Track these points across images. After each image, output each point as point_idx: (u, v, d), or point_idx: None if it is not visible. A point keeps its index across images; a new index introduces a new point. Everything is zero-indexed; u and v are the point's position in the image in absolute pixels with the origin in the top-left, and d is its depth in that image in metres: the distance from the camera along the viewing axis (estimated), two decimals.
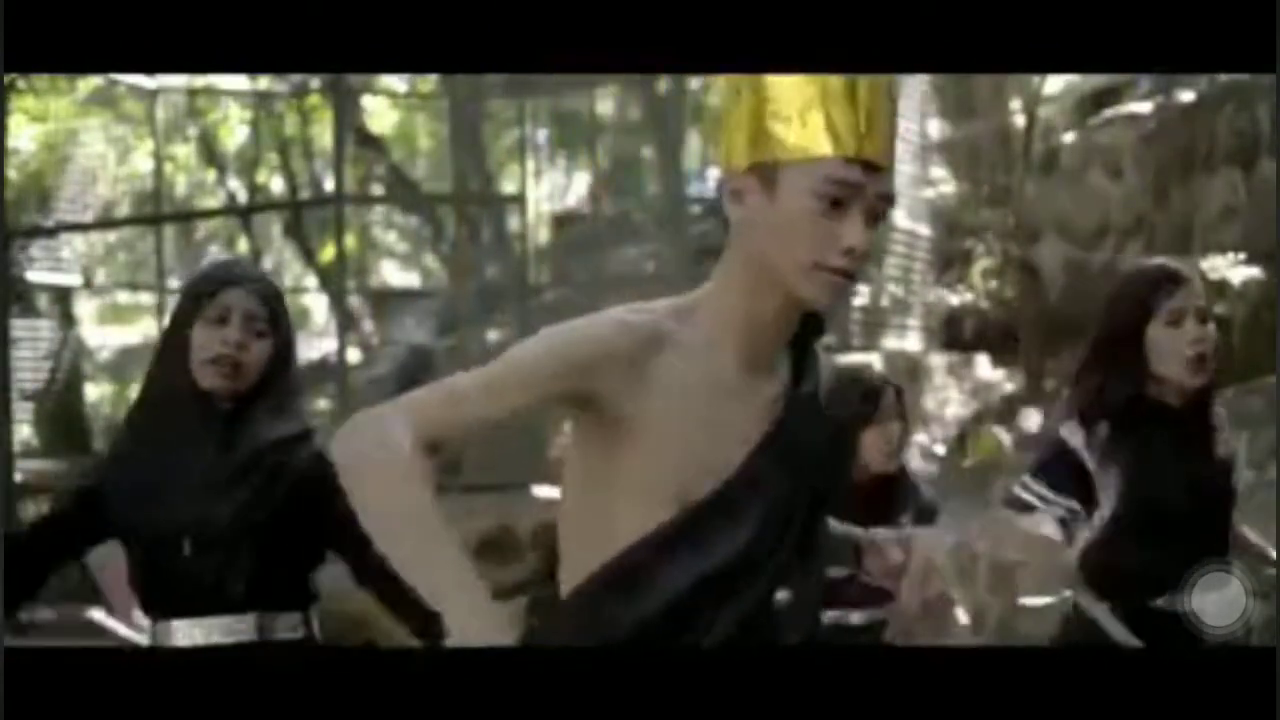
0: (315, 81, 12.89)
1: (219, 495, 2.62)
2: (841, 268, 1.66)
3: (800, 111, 1.65)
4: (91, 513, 2.68)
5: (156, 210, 12.48)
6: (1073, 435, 2.90)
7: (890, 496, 3.86)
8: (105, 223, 12.53)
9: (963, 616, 4.01)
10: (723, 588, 1.71)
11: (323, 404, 11.15)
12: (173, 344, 2.69)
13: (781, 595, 1.77)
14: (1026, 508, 2.88)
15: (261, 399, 2.68)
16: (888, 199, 1.69)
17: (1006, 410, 9.41)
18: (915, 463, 4.18)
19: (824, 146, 1.65)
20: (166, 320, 2.80)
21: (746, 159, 1.69)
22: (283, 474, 2.67)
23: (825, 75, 1.66)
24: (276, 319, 2.69)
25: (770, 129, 1.66)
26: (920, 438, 9.44)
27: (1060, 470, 2.88)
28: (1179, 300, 2.89)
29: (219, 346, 2.62)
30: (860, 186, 1.65)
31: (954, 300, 10.89)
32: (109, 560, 2.78)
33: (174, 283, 12.46)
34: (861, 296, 10.05)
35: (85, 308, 14.97)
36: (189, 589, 2.61)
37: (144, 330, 13.79)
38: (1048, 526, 2.82)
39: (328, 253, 14.94)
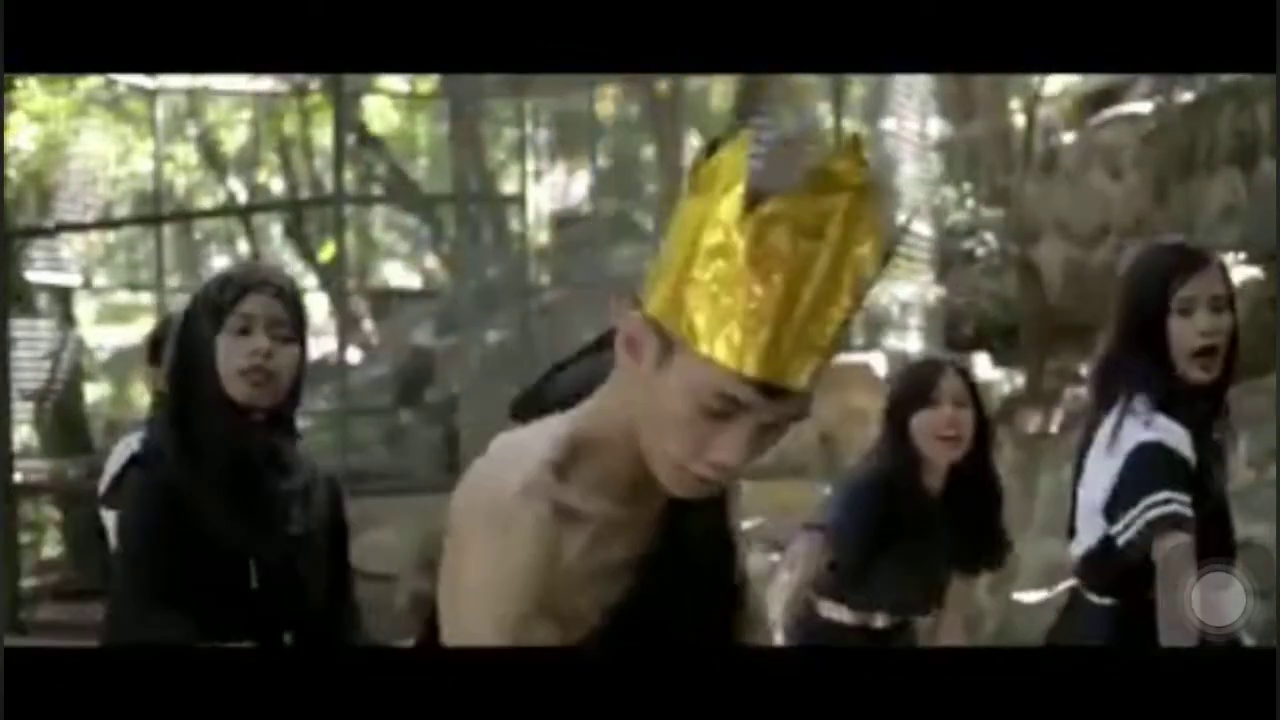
0: (315, 81, 12.90)
1: (276, 511, 2.55)
2: (703, 476, 1.49)
3: (716, 299, 1.42)
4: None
5: (156, 210, 12.48)
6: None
7: (958, 496, 3.45)
8: (105, 223, 12.53)
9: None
10: None
11: (322, 404, 11.15)
12: (197, 355, 2.55)
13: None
14: (1175, 520, 2.65)
15: (294, 406, 2.61)
16: (792, 419, 1.48)
17: (1006, 410, 9.40)
18: None
19: (721, 352, 1.42)
20: (180, 330, 2.64)
21: (654, 310, 1.48)
22: (319, 484, 2.64)
23: (767, 284, 1.40)
24: (300, 323, 2.58)
25: (685, 298, 1.45)
26: None
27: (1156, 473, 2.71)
28: (1191, 288, 2.76)
29: (248, 358, 2.50)
30: (750, 407, 1.45)
31: (954, 300, 10.89)
32: None
33: (174, 282, 12.48)
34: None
35: (85, 308, 14.96)
36: (248, 611, 2.53)
37: (144, 330, 13.77)
38: None
39: (328, 253, 14.94)
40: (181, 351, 2.60)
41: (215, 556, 2.51)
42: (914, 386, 3.42)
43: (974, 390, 3.45)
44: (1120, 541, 2.72)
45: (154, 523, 2.53)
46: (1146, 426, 2.74)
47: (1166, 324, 2.78)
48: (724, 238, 1.41)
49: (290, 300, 2.57)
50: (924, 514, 3.43)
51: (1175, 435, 2.73)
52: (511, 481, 1.54)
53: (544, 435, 1.58)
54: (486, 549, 1.52)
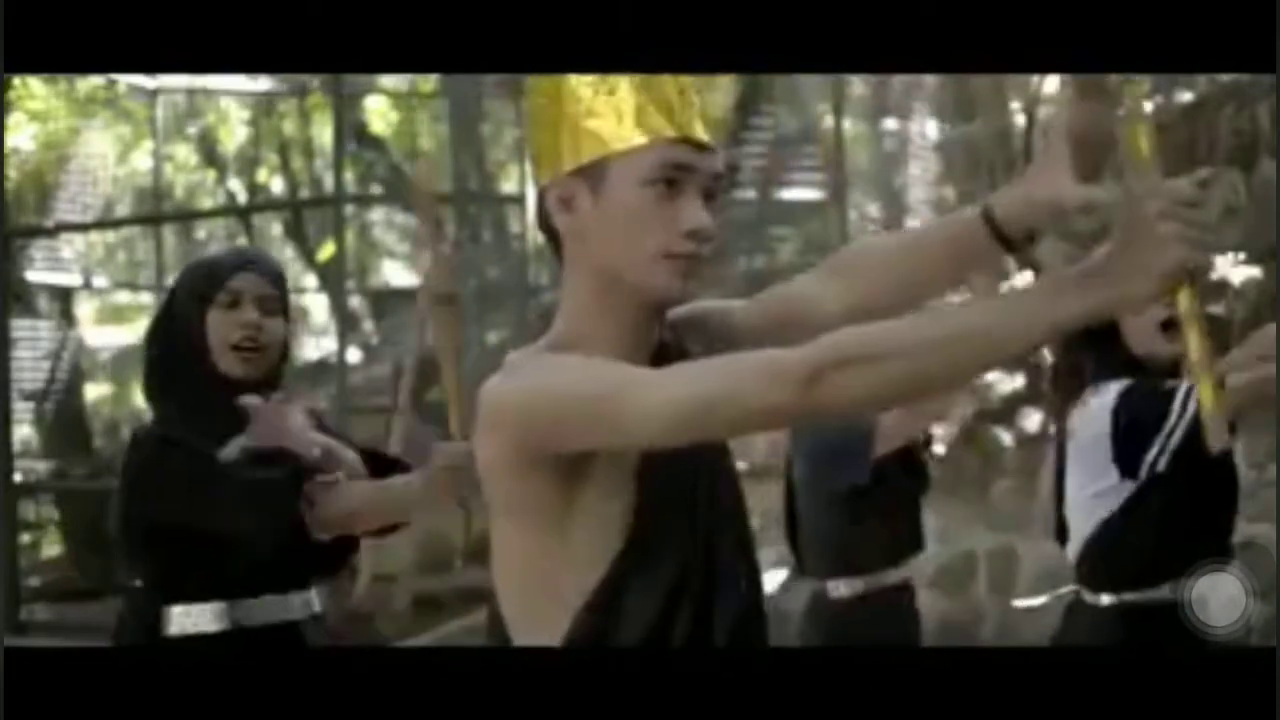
0: (315, 81, 12.89)
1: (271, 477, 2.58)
2: (688, 252, 1.63)
3: (616, 104, 1.63)
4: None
5: (156, 210, 12.48)
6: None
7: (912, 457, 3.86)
8: (105, 223, 12.53)
9: None
10: (684, 582, 1.66)
11: (323, 404, 11.14)
12: (186, 335, 2.62)
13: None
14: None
15: (279, 380, 2.69)
16: (719, 177, 1.67)
17: (1006, 410, 9.40)
18: None
19: (649, 132, 1.62)
20: (166, 311, 2.73)
21: (570, 164, 1.64)
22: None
23: (647, 89, 1.64)
24: (285, 301, 2.70)
25: (589, 128, 1.63)
26: None
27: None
28: None
29: (238, 330, 2.60)
30: (692, 166, 1.63)
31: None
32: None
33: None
34: None
35: (85, 308, 14.95)
36: (249, 575, 2.57)
37: (143, 330, 13.75)
38: None
39: (328, 253, 14.93)
40: (170, 332, 2.66)
41: (236, 530, 2.54)
42: None
43: None
44: (1167, 456, 2.64)
45: (162, 503, 2.56)
46: (1113, 384, 2.74)
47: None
48: (601, 86, 1.63)
49: (276, 279, 2.68)
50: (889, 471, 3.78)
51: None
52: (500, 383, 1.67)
53: (535, 347, 1.74)
54: (485, 438, 1.65)
